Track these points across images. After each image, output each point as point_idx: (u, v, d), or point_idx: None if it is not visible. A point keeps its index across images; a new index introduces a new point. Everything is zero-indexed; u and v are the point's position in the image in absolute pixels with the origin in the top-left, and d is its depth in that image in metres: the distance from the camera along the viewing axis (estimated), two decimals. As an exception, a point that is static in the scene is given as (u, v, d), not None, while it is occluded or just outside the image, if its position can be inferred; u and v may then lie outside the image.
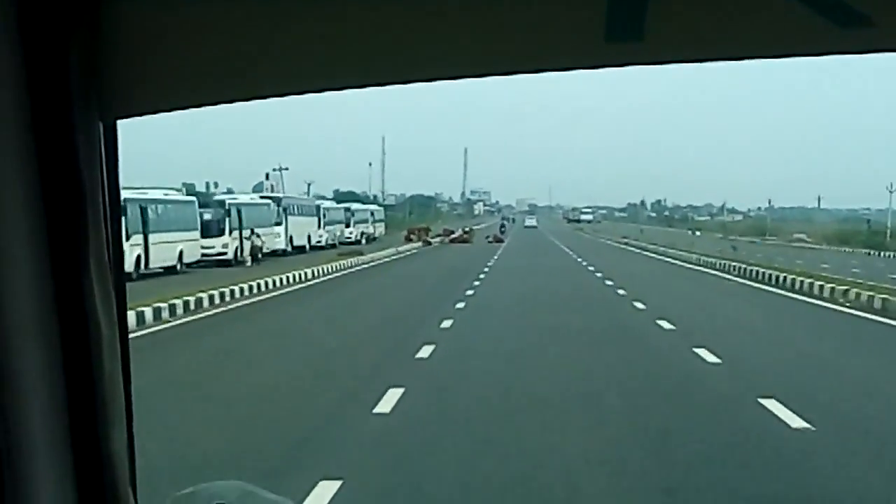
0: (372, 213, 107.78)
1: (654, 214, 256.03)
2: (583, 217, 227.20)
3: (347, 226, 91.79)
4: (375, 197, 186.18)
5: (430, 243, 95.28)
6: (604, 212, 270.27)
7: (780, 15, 1.67)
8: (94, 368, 1.77)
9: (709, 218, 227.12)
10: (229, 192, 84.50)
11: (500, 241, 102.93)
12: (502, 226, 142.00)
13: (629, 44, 1.73)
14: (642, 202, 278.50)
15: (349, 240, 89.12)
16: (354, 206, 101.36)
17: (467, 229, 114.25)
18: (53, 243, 1.73)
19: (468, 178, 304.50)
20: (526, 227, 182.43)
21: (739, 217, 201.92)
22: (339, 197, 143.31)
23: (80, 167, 1.75)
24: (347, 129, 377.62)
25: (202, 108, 1.92)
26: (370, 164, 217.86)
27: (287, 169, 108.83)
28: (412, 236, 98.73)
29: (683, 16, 1.69)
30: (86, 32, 1.74)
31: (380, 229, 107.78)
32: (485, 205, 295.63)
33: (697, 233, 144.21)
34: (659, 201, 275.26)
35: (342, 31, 1.76)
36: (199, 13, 1.76)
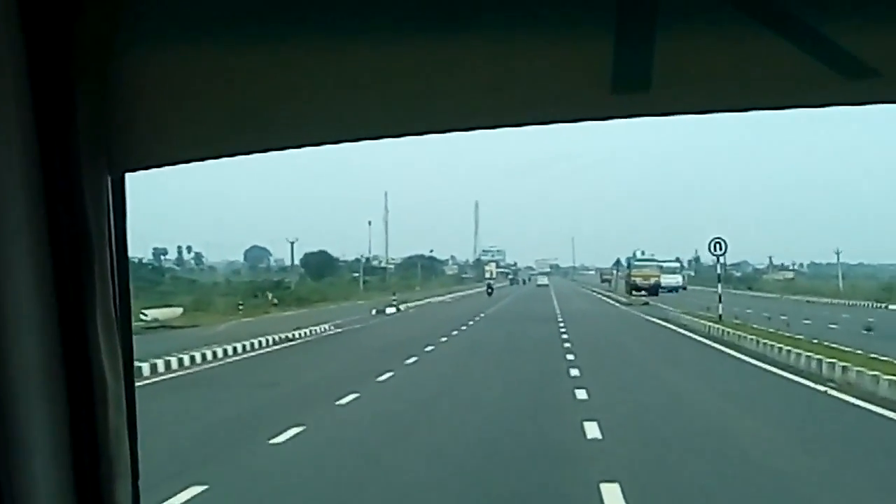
0: None
1: (692, 273, 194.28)
2: (666, 280, 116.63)
3: None
4: (368, 259, 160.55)
5: None
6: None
7: (786, 66, 1.64)
8: (98, 422, 1.71)
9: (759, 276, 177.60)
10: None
11: None
12: (489, 289, 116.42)
13: (636, 94, 1.70)
14: (678, 259, 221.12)
15: None
16: None
17: None
18: (60, 296, 1.67)
19: (481, 237, 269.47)
20: (538, 286, 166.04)
21: (790, 274, 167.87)
22: (308, 259, 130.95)
23: (88, 221, 1.70)
24: (344, 189, 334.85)
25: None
26: (369, 223, 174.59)
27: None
28: None
29: (690, 67, 1.66)
30: (94, 85, 1.70)
31: None
32: (498, 265, 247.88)
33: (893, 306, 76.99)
34: (697, 258, 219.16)
35: (351, 84, 1.73)
36: (209, 65, 1.73)
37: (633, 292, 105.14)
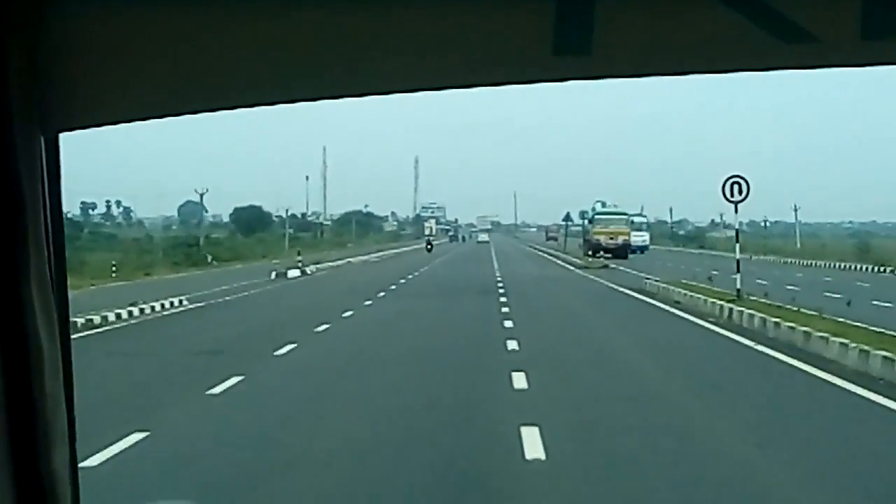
0: None
1: None
2: (636, 237, 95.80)
3: None
4: (304, 215, 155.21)
5: None
6: (577, 227, 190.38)
7: (725, 31, 1.66)
8: (34, 386, 1.70)
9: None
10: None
11: None
12: (428, 245, 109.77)
13: (577, 57, 1.69)
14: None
15: None
16: None
17: None
18: None
19: (421, 193, 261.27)
20: (479, 242, 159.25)
21: (731, 233, 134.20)
22: (238, 214, 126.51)
23: (21, 182, 1.68)
24: (285, 144, 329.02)
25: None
26: (307, 178, 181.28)
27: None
28: None
29: (630, 31, 1.67)
30: (25, 42, 1.67)
31: None
32: (438, 222, 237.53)
33: None
34: (641, 214, 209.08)
35: (290, 45, 1.70)
36: (145, 24, 1.68)
37: (593, 254, 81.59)
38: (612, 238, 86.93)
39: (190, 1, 1.65)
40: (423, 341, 25.00)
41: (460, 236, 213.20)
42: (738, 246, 35.83)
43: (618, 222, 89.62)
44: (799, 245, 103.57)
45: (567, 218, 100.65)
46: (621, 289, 45.31)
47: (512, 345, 23.47)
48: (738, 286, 33.24)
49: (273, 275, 61.06)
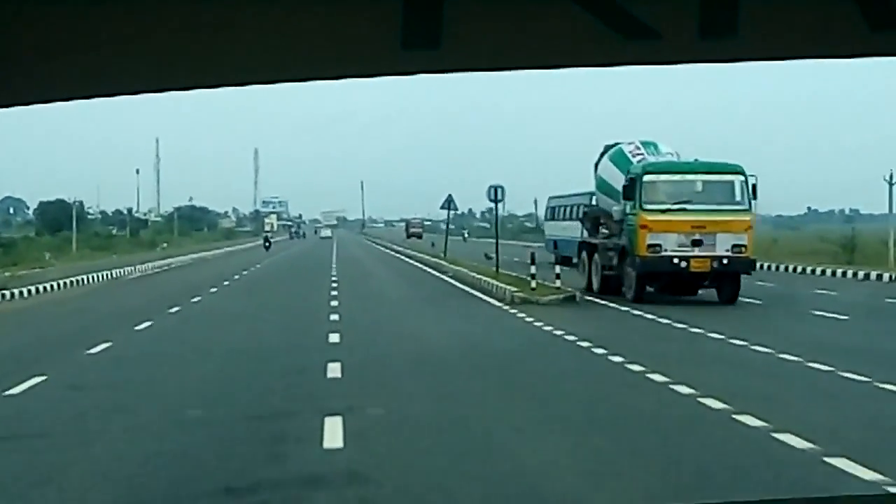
0: None
1: (487, 225, 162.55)
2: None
3: None
4: (131, 210, 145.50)
5: None
6: (429, 222, 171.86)
7: (571, 27, 1.66)
8: None
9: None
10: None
11: None
12: (266, 242, 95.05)
13: (426, 51, 1.65)
14: (470, 210, 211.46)
15: None
16: None
17: None
18: None
19: (263, 188, 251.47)
20: (322, 238, 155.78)
21: None
22: (44, 210, 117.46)
23: None
24: (116, 136, 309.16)
25: None
26: (137, 172, 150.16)
27: None
28: None
29: (479, 24, 1.65)
30: None
31: None
32: (280, 218, 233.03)
33: None
34: (490, 209, 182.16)
35: (140, 32, 1.63)
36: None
37: (638, 287, 27.76)
38: (698, 242, 27.20)
39: None
40: None
41: (302, 232, 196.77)
42: None
43: (712, 190, 27.56)
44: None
45: (448, 204, 54.42)
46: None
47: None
48: None
49: None
